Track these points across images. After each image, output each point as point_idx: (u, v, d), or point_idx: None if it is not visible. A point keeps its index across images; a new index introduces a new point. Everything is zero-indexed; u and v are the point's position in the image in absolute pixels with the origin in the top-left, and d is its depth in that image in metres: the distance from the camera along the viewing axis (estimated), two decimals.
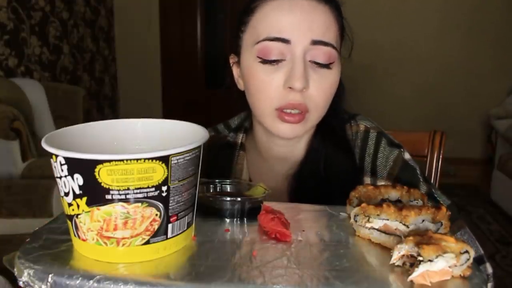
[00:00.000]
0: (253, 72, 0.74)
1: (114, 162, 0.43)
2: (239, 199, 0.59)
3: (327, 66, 0.73)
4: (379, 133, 0.83)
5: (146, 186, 0.45)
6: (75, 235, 0.48)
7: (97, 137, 0.56)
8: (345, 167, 0.80)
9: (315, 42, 0.71)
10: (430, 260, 0.43)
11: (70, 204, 0.46)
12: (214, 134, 0.92)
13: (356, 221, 0.55)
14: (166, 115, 4.46)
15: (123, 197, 0.45)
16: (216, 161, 0.88)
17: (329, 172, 0.80)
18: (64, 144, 0.47)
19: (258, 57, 0.73)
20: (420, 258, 0.43)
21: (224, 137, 0.91)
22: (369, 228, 0.53)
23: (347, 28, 0.80)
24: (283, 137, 0.76)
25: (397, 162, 0.80)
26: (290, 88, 0.71)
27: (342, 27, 0.78)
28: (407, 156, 0.81)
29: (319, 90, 0.73)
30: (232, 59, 0.83)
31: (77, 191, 0.45)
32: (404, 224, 0.51)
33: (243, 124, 0.91)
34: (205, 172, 0.62)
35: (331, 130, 0.82)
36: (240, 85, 0.82)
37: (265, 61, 0.72)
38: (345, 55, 0.80)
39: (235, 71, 0.82)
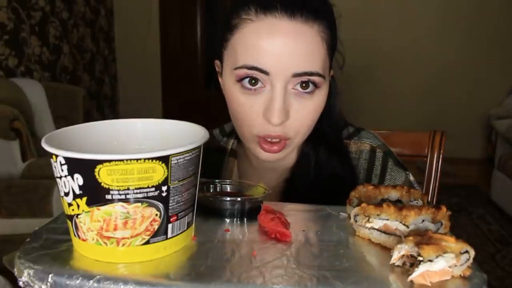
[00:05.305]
0: (233, 95, 0.70)
1: (114, 162, 0.43)
2: (239, 199, 0.59)
3: (310, 92, 0.69)
4: (385, 152, 0.82)
5: (146, 186, 0.45)
6: (75, 235, 0.48)
7: (97, 137, 0.56)
8: (338, 171, 0.79)
9: (298, 75, 0.66)
10: (430, 260, 0.43)
11: (70, 204, 0.46)
12: (209, 139, 0.90)
13: (356, 221, 0.55)
14: (166, 115, 4.46)
15: (123, 197, 0.45)
16: (206, 165, 0.86)
17: (321, 177, 0.79)
18: (64, 144, 0.47)
19: (237, 81, 0.69)
20: (420, 258, 0.43)
21: (217, 142, 0.89)
22: (369, 228, 0.53)
23: (339, 42, 0.73)
24: (265, 161, 0.74)
25: (405, 184, 0.80)
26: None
27: (334, 42, 0.72)
28: (411, 178, 0.81)
29: (301, 119, 0.70)
30: (218, 68, 0.78)
31: (77, 191, 0.45)
32: (404, 224, 0.51)
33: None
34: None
35: (323, 136, 0.80)
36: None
37: (244, 87, 0.69)
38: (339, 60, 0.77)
39: (220, 80, 0.78)
